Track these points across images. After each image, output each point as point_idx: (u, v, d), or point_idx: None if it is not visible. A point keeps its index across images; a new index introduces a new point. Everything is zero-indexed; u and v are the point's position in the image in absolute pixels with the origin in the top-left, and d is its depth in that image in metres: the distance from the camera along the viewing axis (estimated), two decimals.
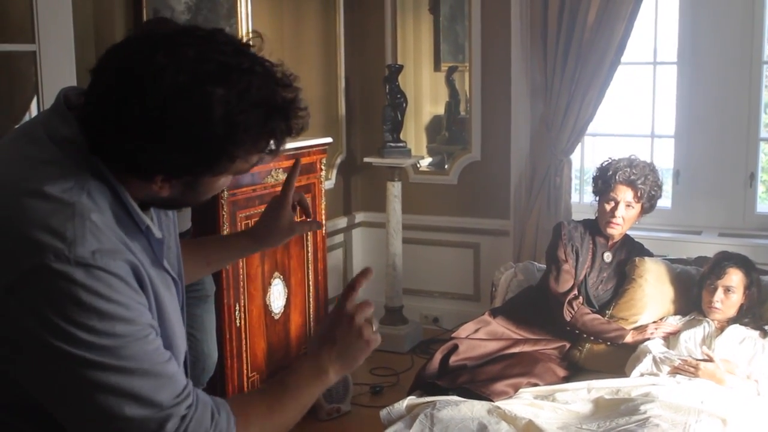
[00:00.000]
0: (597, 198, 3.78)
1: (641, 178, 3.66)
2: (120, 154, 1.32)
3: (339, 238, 5.55)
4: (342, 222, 5.57)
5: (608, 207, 3.68)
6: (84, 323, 1.23)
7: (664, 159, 5.05)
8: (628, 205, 3.68)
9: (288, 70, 1.39)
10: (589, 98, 4.83)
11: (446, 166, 5.57)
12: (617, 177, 3.65)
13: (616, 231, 3.72)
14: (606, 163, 3.77)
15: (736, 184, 4.96)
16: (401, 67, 5.20)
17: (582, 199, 5.35)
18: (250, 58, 1.34)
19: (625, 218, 3.68)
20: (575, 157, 5.15)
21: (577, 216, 4.55)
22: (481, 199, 5.41)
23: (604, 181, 3.69)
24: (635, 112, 5.37)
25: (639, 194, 3.67)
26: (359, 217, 5.73)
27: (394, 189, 5.20)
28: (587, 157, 5.41)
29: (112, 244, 1.30)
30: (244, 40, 1.38)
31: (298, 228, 2.01)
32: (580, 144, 5.14)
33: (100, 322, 1.24)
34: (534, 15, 4.93)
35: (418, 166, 5.59)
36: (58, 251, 1.23)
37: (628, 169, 3.66)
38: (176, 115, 1.27)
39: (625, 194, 3.66)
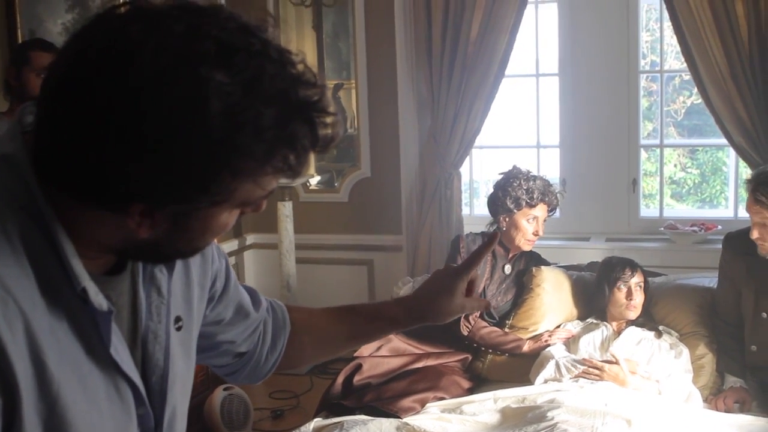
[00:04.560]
0: (505, 215, 3.73)
1: (555, 195, 3.76)
2: (76, 174, 0.97)
3: (231, 260, 5.43)
4: (233, 244, 5.45)
5: (529, 224, 3.71)
6: None
7: (550, 168, 5.15)
8: (544, 220, 3.76)
9: (309, 64, 1.02)
10: (475, 110, 4.89)
11: (336, 184, 5.53)
12: (543, 197, 3.69)
13: (532, 246, 3.79)
14: (513, 181, 3.70)
15: (620, 190, 5.10)
16: None
17: (473, 211, 5.39)
18: (262, 40, 0.98)
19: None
20: (464, 170, 5.19)
21: (468, 228, 4.60)
22: (373, 216, 5.39)
23: (524, 199, 3.67)
24: (520, 124, 5.46)
25: (550, 209, 3.76)
26: (250, 238, 5.63)
27: (285, 209, 5.12)
28: (476, 169, 5.46)
29: None
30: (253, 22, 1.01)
31: (468, 306, 1.60)
32: (468, 157, 5.18)
33: None
34: (418, 30, 4.96)
35: (308, 184, 5.53)
36: None
37: (551, 188, 3.75)
38: (155, 111, 0.92)
39: (543, 211, 3.73)
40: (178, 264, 1.21)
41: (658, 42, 5.21)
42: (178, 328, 1.22)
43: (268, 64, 0.96)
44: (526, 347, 3.62)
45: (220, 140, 0.94)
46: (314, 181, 5.57)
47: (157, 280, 1.17)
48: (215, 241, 1.37)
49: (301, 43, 5.51)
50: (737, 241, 3.35)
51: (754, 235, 3.18)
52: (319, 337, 1.62)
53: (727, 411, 3.24)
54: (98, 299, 1.03)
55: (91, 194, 0.98)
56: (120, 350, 1.08)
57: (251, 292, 1.51)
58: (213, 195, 0.98)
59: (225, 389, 4.21)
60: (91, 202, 0.99)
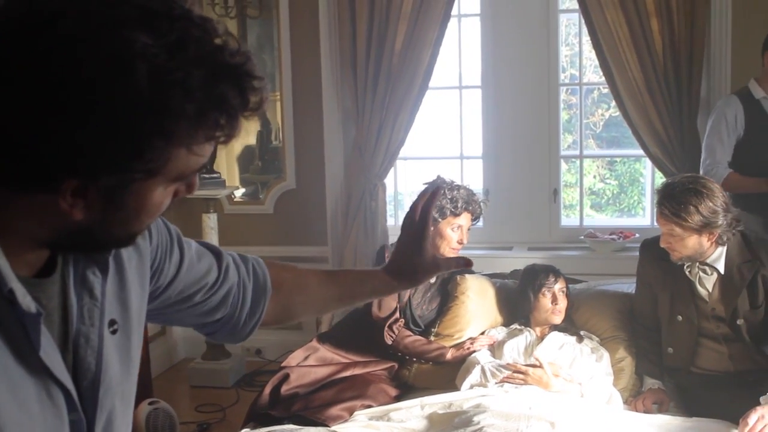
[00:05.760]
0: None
1: (479, 204, 3.80)
2: (2, 155, 0.95)
3: None
4: None
5: (453, 232, 3.75)
6: None
7: (474, 179, 5.23)
8: (468, 229, 3.80)
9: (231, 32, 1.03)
10: (399, 122, 4.94)
11: (261, 196, 5.52)
12: (467, 206, 3.73)
13: (456, 254, 3.82)
14: (438, 190, 3.75)
15: (541, 200, 5.20)
16: None
17: (398, 222, 5.44)
18: (183, 7, 0.99)
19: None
20: (389, 181, 5.23)
21: (393, 239, 4.62)
22: (298, 227, 5.40)
23: (448, 208, 3.69)
24: (444, 135, 5.54)
25: (474, 218, 3.81)
26: None
27: (210, 221, 5.09)
28: (401, 180, 5.52)
29: None
30: None
31: (443, 264, 1.67)
32: (393, 168, 5.23)
33: None
34: (343, 42, 5.00)
35: (233, 196, 5.51)
36: None
37: (475, 197, 3.79)
38: (82, 76, 0.92)
39: (467, 220, 3.77)
40: (112, 267, 1.19)
41: (577, 56, 5.34)
42: (113, 332, 1.19)
43: (192, 28, 0.97)
44: (449, 355, 3.65)
45: (149, 102, 0.93)
46: (239, 193, 5.56)
47: (89, 283, 1.15)
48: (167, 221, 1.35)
49: None
50: (653, 247, 3.45)
51: (663, 244, 3.30)
52: (308, 298, 1.63)
53: (646, 411, 3.33)
54: (26, 301, 1.00)
55: (20, 176, 0.96)
56: (50, 354, 1.06)
57: (218, 257, 1.49)
58: (147, 162, 0.97)
59: (150, 403, 4.15)
60: (20, 185, 0.97)
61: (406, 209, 4.33)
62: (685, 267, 3.34)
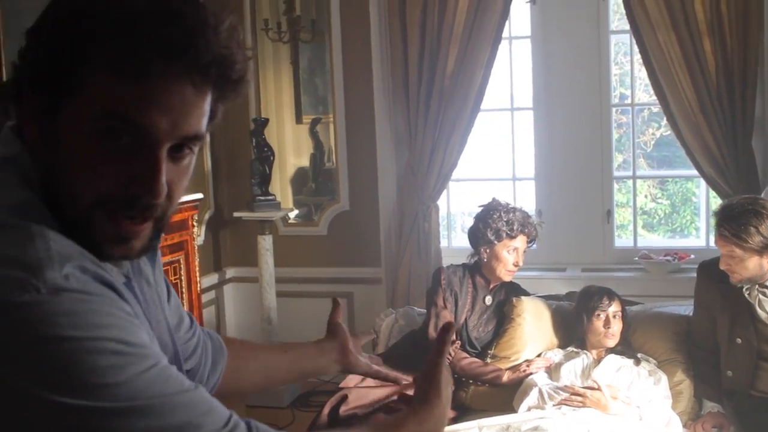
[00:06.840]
0: (486, 247, 3.80)
1: (534, 226, 3.85)
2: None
3: (211, 294, 5.45)
4: (213, 278, 5.48)
5: (509, 255, 3.78)
6: (76, 361, 0.92)
7: (526, 200, 5.25)
8: (524, 251, 3.84)
9: None
10: (452, 144, 4.98)
11: (315, 218, 5.59)
12: (523, 228, 3.77)
13: (512, 276, 3.87)
14: (494, 213, 3.79)
15: (595, 220, 5.20)
16: (267, 121, 5.21)
17: (451, 243, 5.47)
18: None
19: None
20: (441, 202, 5.27)
21: (447, 261, 4.66)
22: (352, 248, 5.45)
23: (504, 231, 3.75)
24: (496, 157, 5.56)
25: (530, 240, 3.84)
26: (230, 272, 5.66)
27: (266, 242, 5.17)
28: (453, 202, 5.55)
29: (87, 263, 1.00)
30: None
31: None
32: (445, 189, 5.27)
33: (96, 356, 0.93)
34: (395, 65, 5.05)
35: (288, 218, 5.58)
36: (22, 282, 0.92)
37: (530, 219, 3.85)
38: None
39: (523, 242, 3.80)
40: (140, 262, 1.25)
41: (627, 75, 5.34)
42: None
43: None
44: (505, 377, 3.67)
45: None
46: (293, 214, 5.63)
47: (144, 273, 1.24)
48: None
49: (278, 78, 5.58)
50: (711, 269, 3.45)
51: (723, 266, 3.30)
52: (258, 362, 1.66)
53: None
54: (119, 276, 1.12)
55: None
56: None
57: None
58: (55, 67, 1.02)
59: None
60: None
61: (459, 231, 4.36)
62: (744, 289, 3.33)
